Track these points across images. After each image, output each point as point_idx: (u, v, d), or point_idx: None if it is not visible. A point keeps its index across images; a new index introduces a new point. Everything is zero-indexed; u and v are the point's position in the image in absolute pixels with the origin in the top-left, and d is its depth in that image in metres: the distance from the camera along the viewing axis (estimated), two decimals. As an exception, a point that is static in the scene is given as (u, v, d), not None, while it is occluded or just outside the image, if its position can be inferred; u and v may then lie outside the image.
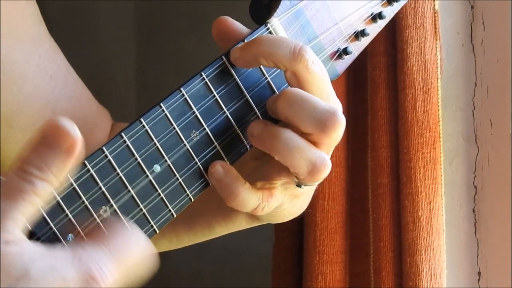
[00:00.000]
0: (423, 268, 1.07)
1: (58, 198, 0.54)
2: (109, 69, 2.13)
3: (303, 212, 1.17)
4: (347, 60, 0.71)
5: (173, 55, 1.96)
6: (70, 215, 0.55)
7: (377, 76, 1.12)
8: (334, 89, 1.14)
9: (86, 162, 0.57)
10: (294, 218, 1.22)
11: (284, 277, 1.23)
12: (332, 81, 1.12)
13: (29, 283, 0.47)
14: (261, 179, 0.65)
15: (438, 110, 1.10)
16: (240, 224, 0.75)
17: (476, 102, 1.15)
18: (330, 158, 1.20)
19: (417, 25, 1.08)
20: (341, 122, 0.62)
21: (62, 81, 0.77)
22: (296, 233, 1.22)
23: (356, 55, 0.72)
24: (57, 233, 0.55)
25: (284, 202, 0.68)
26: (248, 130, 0.63)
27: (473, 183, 1.16)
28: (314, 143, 0.62)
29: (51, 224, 0.54)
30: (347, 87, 1.16)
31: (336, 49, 0.71)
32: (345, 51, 0.71)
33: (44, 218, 0.54)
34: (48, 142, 0.50)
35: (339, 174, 1.15)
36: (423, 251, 1.07)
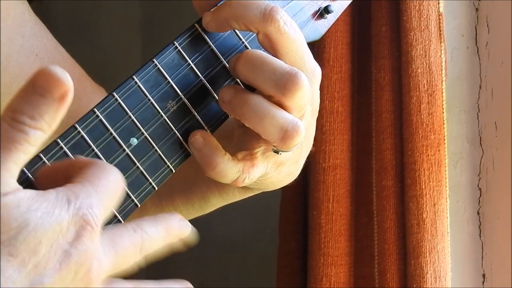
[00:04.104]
0: (428, 270, 1.07)
1: (32, 178, 0.54)
2: (114, 68, 2.13)
3: (308, 214, 1.18)
4: (330, 19, 0.70)
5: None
6: None
7: (382, 79, 1.12)
8: (339, 92, 1.15)
9: (58, 140, 0.56)
10: (298, 221, 1.23)
11: (289, 280, 1.23)
12: (336, 82, 1.12)
13: (29, 232, 0.47)
14: (243, 149, 0.64)
15: (443, 112, 1.10)
16: (234, 194, 0.74)
17: (481, 104, 1.15)
18: (335, 160, 1.20)
19: (421, 27, 1.08)
20: (302, 84, 0.60)
21: (49, 59, 0.76)
22: (301, 235, 1.22)
23: (339, 13, 0.70)
24: None
25: (269, 171, 0.66)
26: (219, 95, 0.62)
27: (478, 186, 1.16)
28: (283, 107, 0.61)
29: None
30: (351, 89, 1.16)
31: (317, 8, 0.69)
32: (326, 10, 0.69)
33: None
34: (40, 90, 0.49)
35: (343, 176, 1.15)
36: (427, 253, 1.07)
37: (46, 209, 0.48)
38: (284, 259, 1.24)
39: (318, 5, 0.69)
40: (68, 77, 0.50)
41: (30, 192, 0.49)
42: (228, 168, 0.62)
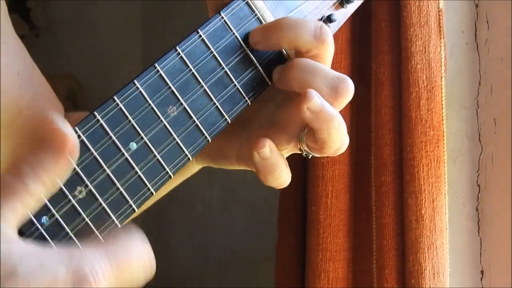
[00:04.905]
0: (426, 266, 1.07)
1: None
2: (115, 66, 2.13)
3: (307, 209, 1.17)
4: (332, 28, 0.70)
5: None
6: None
7: (381, 74, 1.12)
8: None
9: None
10: (297, 216, 1.23)
11: (288, 276, 1.23)
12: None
13: (17, 282, 0.46)
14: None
15: (442, 108, 1.10)
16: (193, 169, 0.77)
17: (480, 100, 1.15)
18: (333, 156, 1.21)
19: (421, 23, 1.08)
20: (352, 88, 0.64)
21: (27, 79, 0.76)
22: (300, 231, 1.22)
23: (341, 22, 0.71)
24: (32, 217, 0.54)
25: None
26: (308, 103, 0.63)
27: (477, 182, 1.16)
28: None
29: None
30: (351, 85, 1.16)
31: (320, 17, 0.69)
32: (329, 19, 0.69)
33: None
34: (42, 142, 0.49)
35: (342, 171, 1.15)
36: (426, 249, 1.07)
37: (39, 261, 0.47)
38: (283, 255, 1.24)
39: (321, 14, 0.69)
40: (71, 129, 0.50)
41: (28, 245, 0.48)
42: (287, 172, 0.66)
